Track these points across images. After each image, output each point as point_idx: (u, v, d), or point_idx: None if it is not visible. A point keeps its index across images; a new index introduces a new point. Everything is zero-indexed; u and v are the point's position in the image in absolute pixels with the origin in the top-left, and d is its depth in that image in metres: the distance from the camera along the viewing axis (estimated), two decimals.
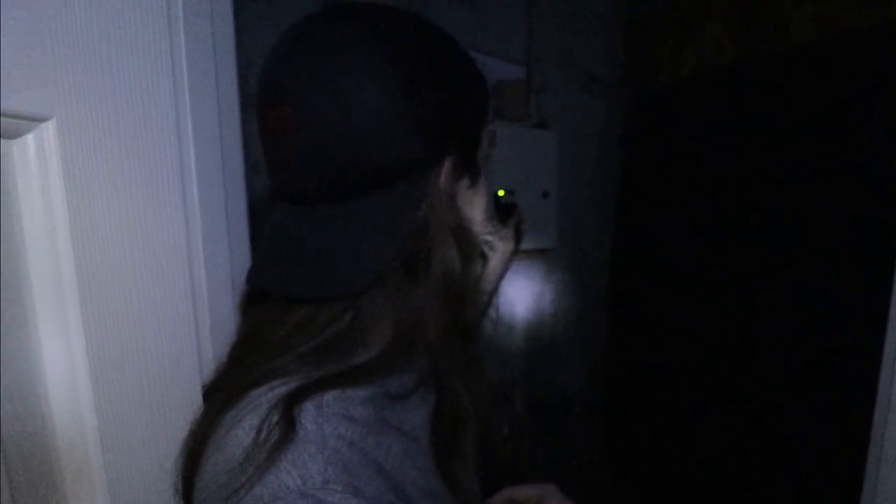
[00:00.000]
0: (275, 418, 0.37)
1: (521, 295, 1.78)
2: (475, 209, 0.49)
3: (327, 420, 0.38)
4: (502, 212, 1.35)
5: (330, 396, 0.40)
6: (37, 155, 0.35)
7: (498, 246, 0.51)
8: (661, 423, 1.74)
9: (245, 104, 0.56)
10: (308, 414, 0.38)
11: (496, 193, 1.52)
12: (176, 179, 0.44)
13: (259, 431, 0.37)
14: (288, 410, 0.37)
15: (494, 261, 0.51)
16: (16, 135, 0.34)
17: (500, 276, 0.55)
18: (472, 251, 0.46)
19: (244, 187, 0.55)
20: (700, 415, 1.60)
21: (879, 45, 1.11)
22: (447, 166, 0.44)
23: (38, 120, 0.34)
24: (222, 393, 0.43)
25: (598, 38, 1.76)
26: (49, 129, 0.35)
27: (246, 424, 0.38)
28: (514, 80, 1.62)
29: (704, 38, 1.54)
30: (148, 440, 0.43)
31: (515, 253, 0.72)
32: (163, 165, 0.43)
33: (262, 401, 0.39)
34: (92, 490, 0.39)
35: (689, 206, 1.60)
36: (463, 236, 0.45)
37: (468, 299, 0.46)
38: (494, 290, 0.53)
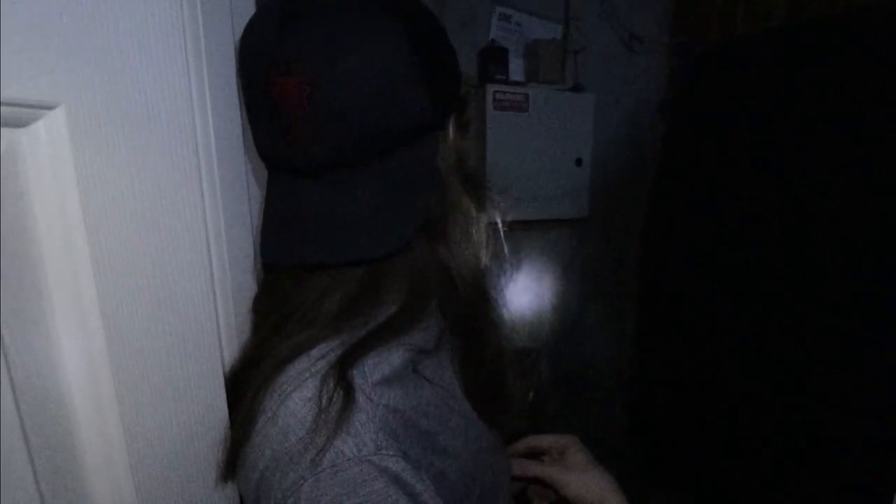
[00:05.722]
0: (330, 388, 0.39)
1: (550, 265, 1.75)
2: (470, 159, 0.51)
3: (373, 389, 0.41)
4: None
5: (371, 362, 0.42)
6: (47, 143, 0.34)
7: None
8: (689, 398, 1.71)
9: None
10: (355, 383, 0.40)
11: None
12: (191, 158, 0.42)
13: (320, 401, 0.39)
14: (342, 379, 0.40)
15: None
16: (24, 123, 0.33)
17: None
18: (483, 199, 0.49)
19: None
20: (729, 391, 1.56)
21: None
22: (452, 122, 0.46)
23: (46, 108, 0.33)
24: (264, 366, 0.44)
25: None
26: (58, 117, 0.33)
27: (297, 397, 0.40)
28: (550, 39, 1.54)
29: None
30: (171, 423, 0.43)
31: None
32: (178, 144, 0.41)
33: (307, 373, 0.41)
34: (116, 477, 0.39)
35: (732, 179, 1.52)
36: (473, 186, 0.48)
37: (487, 241, 0.49)
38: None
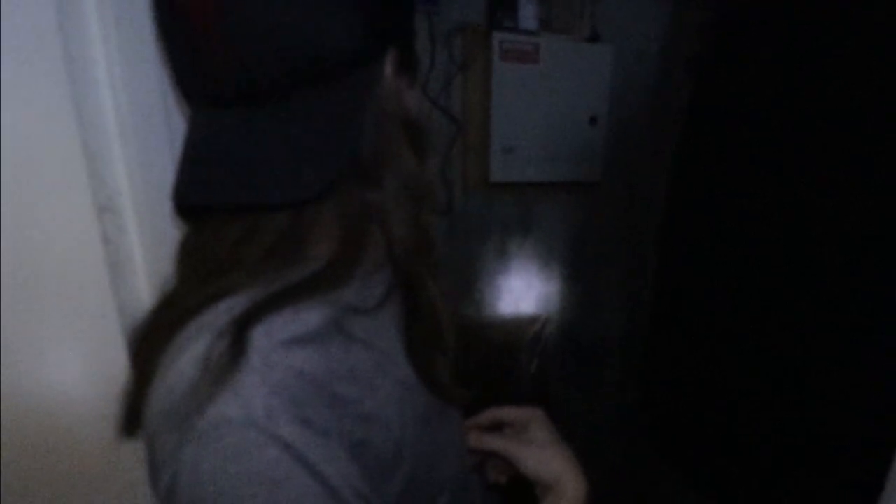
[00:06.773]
0: (222, 345, 0.35)
1: (560, 230, 1.66)
2: (415, 106, 0.48)
3: (274, 349, 0.37)
4: None
5: (281, 320, 0.38)
6: None
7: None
8: (702, 374, 1.64)
9: None
10: (255, 342, 0.36)
11: None
12: (63, 82, 0.37)
13: (207, 360, 0.35)
14: (239, 336, 0.36)
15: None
16: None
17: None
18: (424, 146, 0.46)
19: None
20: (743, 369, 1.49)
21: None
22: (392, 58, 0.43)
23: None
24: (168, 319, 0.41)
25: None
26: None
27: (188, 354, 0.37)
28: None
29: None
30: (53, 371, 0.40)
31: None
32: (42, 61, 0.35)
33: (207, 328, 0.38)
34: None
35: (761, 143, 1.39)
36: (414, 132, 0.45)
37: (428, 196, 0.46)
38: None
